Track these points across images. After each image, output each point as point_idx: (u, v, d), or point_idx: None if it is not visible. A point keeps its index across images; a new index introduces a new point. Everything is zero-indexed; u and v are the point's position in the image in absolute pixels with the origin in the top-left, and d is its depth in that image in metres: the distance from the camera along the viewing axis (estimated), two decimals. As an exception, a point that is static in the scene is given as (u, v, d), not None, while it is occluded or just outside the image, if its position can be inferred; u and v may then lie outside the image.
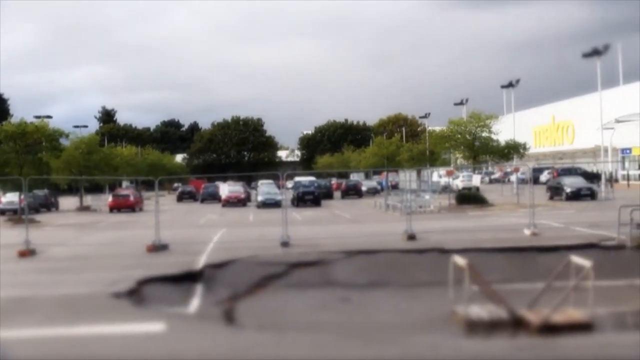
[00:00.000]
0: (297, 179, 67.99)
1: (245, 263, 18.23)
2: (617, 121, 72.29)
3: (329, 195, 63.40)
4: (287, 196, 37.30)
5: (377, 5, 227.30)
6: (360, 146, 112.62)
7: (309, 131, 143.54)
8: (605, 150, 67.40)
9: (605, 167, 62.99)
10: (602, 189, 50.47)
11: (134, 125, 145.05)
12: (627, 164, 73.85)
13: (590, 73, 61.70)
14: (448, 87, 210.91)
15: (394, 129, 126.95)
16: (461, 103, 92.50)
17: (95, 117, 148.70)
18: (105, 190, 74.19)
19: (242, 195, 57.32)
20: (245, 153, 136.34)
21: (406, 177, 51.41)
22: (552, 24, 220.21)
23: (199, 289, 15.99)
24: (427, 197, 43.52)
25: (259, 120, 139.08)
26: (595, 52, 57.77)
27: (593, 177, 60.94)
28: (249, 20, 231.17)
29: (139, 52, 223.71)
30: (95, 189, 76.65)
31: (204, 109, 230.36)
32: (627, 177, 69.49)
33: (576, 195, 46.10)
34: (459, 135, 57.13)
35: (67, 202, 59.86)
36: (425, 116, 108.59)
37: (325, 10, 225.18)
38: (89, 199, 60.48)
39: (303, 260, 18.38)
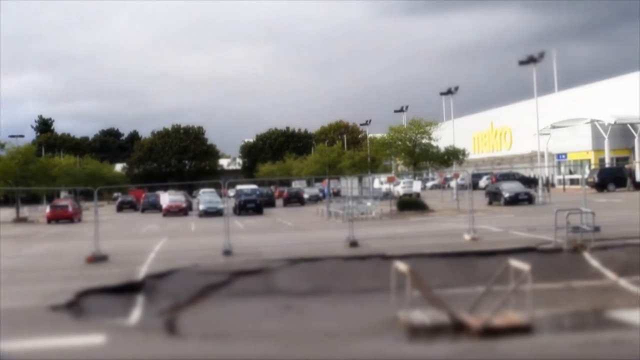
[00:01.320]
0: (239, 187, 67.76)
1: (187, 272, 18.07)
2: (553, 127, 73.89)
3: (270, 203, 63.35)
4: (228, 205, 37.09)
5: (318, 12, 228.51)
6: (302, 154, 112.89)
7: (250, 139, 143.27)
8: (542, 156, 68.74)
9: (542, 172, 64.24)
10: (539, 193, 51.43)
11: (72, 135, 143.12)
12: (562, 169, 75.49)
13: (527, 80, 62.95)
14: (388, 94, 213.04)
15: (335, 136, 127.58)
16: (401, 110, 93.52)
17: (32, 127, 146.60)
18: (43, 201, 72.75)
19: (184, 205, 56.84)
20: (186, 162, 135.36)
21: (348, 184, 51.48)
22: (490, 31, 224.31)
23: (140, 299, 15.79)
24: (368, 203, 43.75)
25: (200, 128, 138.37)
26: (531, 60, 58.93)
27: (530, 182, 62.10)
28: (189, 28, 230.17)
29: (76, 59, 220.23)
30: (33, 199, 75.14)
31: (144, 117, 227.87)
32: (563, 182, 71.02)
33: (514, 200, 46.86)
34: (400, 142, 57.65)
35: (3, 213, 58.49)
36: (366, 123, 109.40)
37: (266, 17, 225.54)
38: (25, 210, 59.23)
39: (245, 269, 18.31)
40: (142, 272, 18.25)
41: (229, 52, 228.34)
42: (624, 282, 16.64)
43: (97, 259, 21.09)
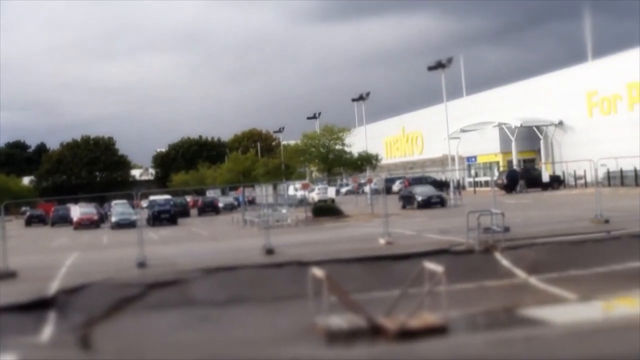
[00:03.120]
0: (152, 197, 66.85)
1: (100, 286, 17.67)
2: (462, 131, 75.58)
3: (185, 213, 62.73)
4: (142, 216, 36.48)
5: (232, 20, 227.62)
6: (216, 162, 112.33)
7: (163, 149, 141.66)
8: (452, 159, 70.16)
9: (453, 175, 65.56)
10: (451, 196, 52.46)
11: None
12: (472, 171, 77.26)
13: (437, 85, 64.27)
14: (302, 101, 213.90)
15: (249, 144, 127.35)
16: (314, 117, 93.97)
17: None
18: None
19: (95, 217, 55.76)
20: (97, 173, 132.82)
21: (262, 192, 51.57)
22: (403, 37, 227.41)
23: (51, 316, 15.36)
24: (284, 211, 43.79)
25: (110, 139, 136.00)
26: (440, 65, 60.16)
27: (442, 185, 63.28)
28: (97, 36, 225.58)
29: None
30: None
31: (52, 129, 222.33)
32: (474, 184, 72.65)
33: (427, 203, 47.64)
34: (313, 149, 58.13)
35: None
36: (280, 130, 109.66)
37: (179, 25, 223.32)
38: None
39: (161, 280, 18.03)
40: (53, 287, 17.77)
41: (141, 61, 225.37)
42: (533, 280, 17.11)
43: (5, 275, 20.42)
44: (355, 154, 60.23)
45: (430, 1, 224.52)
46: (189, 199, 77.93)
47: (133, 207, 52.40)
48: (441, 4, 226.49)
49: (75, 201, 70.80)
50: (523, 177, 62.94)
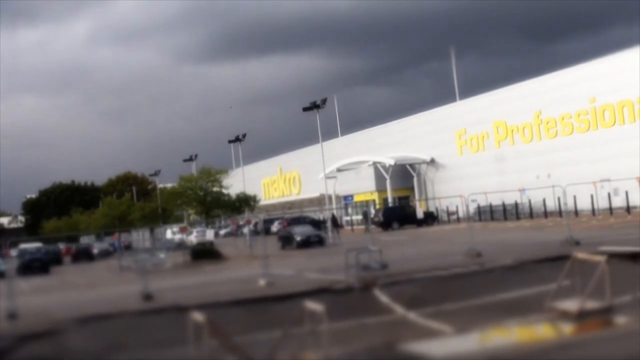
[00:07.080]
0: (23, 246, 64.36)
1: (-33, 341, 16.77)
2: (339, 170, 76.75)
3: (58, 261, 60.62)
4: (11, 265, 35.00)
5: (114, 60, 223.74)
6: (90, 208, 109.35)
7: (33, 195, 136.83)
8: (330, 198, 70.99)
9: (330, 214, 66.27)
10: (329, 235, 52.98)
11: None
12: (349, 210, 78.40)
13: (315, 125, 65.03)
14: (180, 143, 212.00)
15: (124, 188, 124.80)
16: (190, 159, 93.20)
17: None
18: None
19: (-40, 268, 53.05)
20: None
21: (139, 237, 50.45)
22: (287, 77, 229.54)
23: None
24: (161, 255, 43.04)
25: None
26: (315, 106, 61.07)
27: (320, 224, 63.87)
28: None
29: None
30: None
31: None
32: (351, 223, 73.67)
33: (306, 243, 47.83)
34: (191, 191, 57.56)
35: None
36: (156, 174, 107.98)
37: (55, 66, 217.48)
38: None
39: (33, 332, 17.30)
40: None
41: (11, 103, 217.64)
42: (412, 315, 17.46)
43: None
44: (233, 196, 60.03)
45: (313, 42, 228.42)
46: (62, 246, 75.37)
47: (2, 256, 50.26)
48: (325, 46, 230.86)
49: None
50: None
